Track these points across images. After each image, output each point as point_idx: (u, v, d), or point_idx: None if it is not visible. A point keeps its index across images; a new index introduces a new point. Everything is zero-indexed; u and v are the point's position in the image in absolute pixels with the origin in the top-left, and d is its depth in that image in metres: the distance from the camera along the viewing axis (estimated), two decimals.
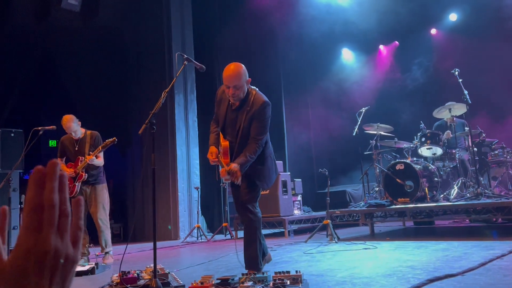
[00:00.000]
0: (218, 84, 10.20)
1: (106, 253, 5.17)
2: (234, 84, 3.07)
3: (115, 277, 3.22)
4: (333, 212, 6.30)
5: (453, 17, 9.93)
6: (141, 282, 3.04)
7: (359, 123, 6.94)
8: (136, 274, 3.15)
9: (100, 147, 5.02)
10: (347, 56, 11.43)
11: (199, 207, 8.69)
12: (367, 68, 11.17)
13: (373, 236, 6.23)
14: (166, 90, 3.22)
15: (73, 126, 5.08)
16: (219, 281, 2.71)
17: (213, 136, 3.38)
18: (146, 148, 9.22)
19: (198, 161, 9.33)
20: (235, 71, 3.09)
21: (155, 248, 2.90)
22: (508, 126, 7.93)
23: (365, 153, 7.15)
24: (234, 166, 2.98)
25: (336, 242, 5.55)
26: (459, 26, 9.79)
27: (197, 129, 9.46)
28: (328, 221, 5.95)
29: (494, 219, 6.14)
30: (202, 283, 2.70)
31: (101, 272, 4.41)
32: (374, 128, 6.95)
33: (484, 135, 6.64)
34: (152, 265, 2.95)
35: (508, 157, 6.29)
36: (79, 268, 4.33)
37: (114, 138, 4.90)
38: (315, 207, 8.34)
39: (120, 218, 9.69)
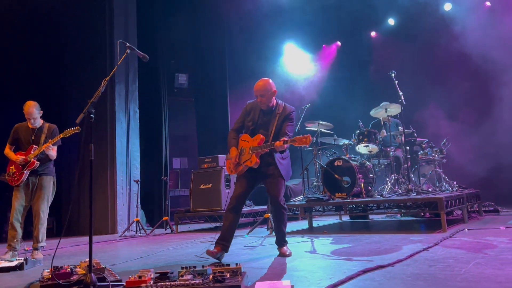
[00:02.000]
0: (161, 75, 10.00)
1: (35, 249, 4.90)
2: (261, 94, 3.98)
3: (46, 272, 3.06)
4: None
5: (391, 21, 10.42)
6: (75, 277, 2.92)
7: (301, 119, 7.10)
8: (69, 269, 3.02)
9: (61, 134, 4.83)
10: (293, 51, 11.58)
11: (139, 201, 8.48)
12: (311, 65, 11.45)
13: (312, 230, 6.42)
14: (106, 78, 3.11)
15: (35, 112, 5.00)
16: (157, 275, 2.67)
17: (234, 141, 4.11)
18: (84, 139, 8.79)
19: (138, 153, 9.09)
20: (263, 84, 4.02)
21: (90, 242, 2.79)
22: (436, 126, 8.49)
23: (306, 149, 7.33)
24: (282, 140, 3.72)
25: None
26: (397, 30, 10.31)
27: (138, 120, 9.20)
28: (269, 215, 6.04)
29: (423, 214, 6.58)
30: (140, 277, 2.64)
31: (30, 268, 4.17)
32: (315, 125, 7.15)
33: (416, 134, 7.05)
34: (87, 259, 2.84)
35: (436, 156, 6.73)
36: (6, 264, 4.07)
37: (78, 127, 4.72)
38: (257, 201, 8.43)
39: (53, 212, 9.18)
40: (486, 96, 8.29)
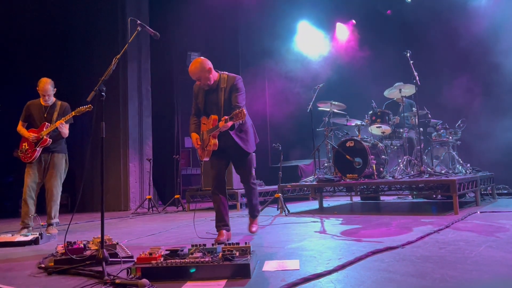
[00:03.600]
0: (173, 54, 9.94)
1: (50, 224, 5.01)
2: (196, 77, 3.85)
3: (60, 247, 3.12)
4: (284, 186, 6.42)
5: None
6: (88, 252, 2.98)
7: (313, 99, 7.02)
8: (82, 245, 3.07)
9: (73, 112, 4.88)
10: (306, 29, 11.38)
11: (151, 179, 8.57)
12: (325, 44, 11.25)
13: (322, 210, 6.43)
14: (118, 56, 3.09)
15: (50, 89, 5.06)
16: (168, 252, 2.70)
17: (193, 126, 4.06)
18: (95, 117, 8.86)
19: (151, 132, 9.14)
20: (194, 67, 3.83)
21: (102, 218, 2.83)
22: (452, 108, 8.33)
23: (318, 129, 7.28)
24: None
25: (286, 215, 5.69)
26: (414, 8, 10.02)
27: (150, 99, 9.22)
28: (279, 194, 6.06)
29: (434, 196, 6.53)
30: (150, 254, 2.68)
31: (45, 243, 4.27)
32: (328, 105, 7.07)
33: (430, 116, 6.94)
34: (99, 235, 2.89)
35: (450, 137, 6.64)
36: (22, 238, 4.17)
37: (90, 105, 4.77)
38: (268, 181, 8.46)
39: (68, 189, 9.35)
40: (504, 79, 8.06)
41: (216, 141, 3.75)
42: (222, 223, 4.00)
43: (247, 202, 4.36)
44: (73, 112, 4.92)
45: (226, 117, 3.57)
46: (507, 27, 8.13)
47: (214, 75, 3.91)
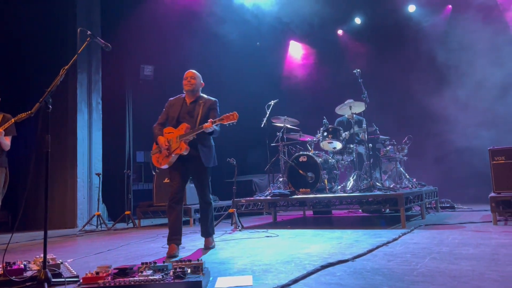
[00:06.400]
0: (126, 66, 9.74)
1: None
2: (191, 75, 4.21)
3: None
4: (238, 201, 6.40)
5: (358, 20, 10.57)
6: (28, 273, 2.80)
7: (267, 115, 7.10)
8: (22, 265, 2.89)
9: (12, 119, 4.59)
10: (260, 48, 11.57)
11: (100, 194, 8.26)
12: (278, 61, 11.47)
13: (276, 224, 6.46)
14: (66, 67, 2.99)
15: None
16: (116, 270, 2.60)
17: (158, 132, 4.18)
18: (40, 129, 8.46)
19: (101, 146, 8.83)
20: (194, 72, 4.28)
21: (45, 236, 2.68)
22: (401, 124, 8.72)
23: (272, 144, 7.36)
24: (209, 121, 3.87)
25: (240, 230, 5.66)
26: (363, 29, 10.47)
27: (101, 112, 8.93)
28: (234, 209, 6.03)
29: (383, 210, 6.75)
30: (97, 273, 2.56)
31: None
32: (281, 121, 7.17)
33: (378, 132, 7.22)
34: (42, 255, 2.73)
35: (397, 153, 6.92)
36: None
37: (30, 111, 4.49)
38: (222, 196, 8.39)
39: (9, 206, 8.80)
40: (447, 97, 8.56)
41: (188, 146, 3.96)
42: (175, 236, 3.98)
43: (201, 220, 4.31)
44: (12, 119, 4.65)
45: (212, 119, 3.87)
46: (452, 46, 8.67)
47: (199, 91, 4.29)
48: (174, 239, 3.96)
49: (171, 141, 4.06)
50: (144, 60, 10.06)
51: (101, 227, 7.48)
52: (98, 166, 8.68)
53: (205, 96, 4.29)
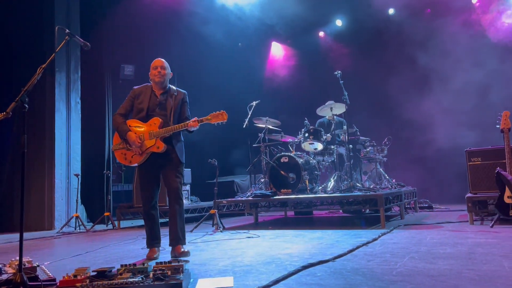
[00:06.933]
0: (106, 66, 9.60)
1: None
2: (161, 64, 3.93)
3: None
4: (220, 202, 6.38)
5: (339, 22, 10.67)
6: (3, 276, 2.73)
7: (249, 116, 7.10)
8: None
9: None
10: (242, 48, 11.57)
11: (79, 195, 8.11)
12: (260, 62, 11.48)
13: (257, 225, 6.46)
14: (43, 66, 2.92)
15: None
16: (94, 273, 2.55)
17: (125, 125, 3.84)
18: (16, 129, 8.29)
19: (79, 146, 8.67)
20: (162, 60, 3.99)
21: (21, 238, 2.61)
22: (381, 125, 8.83)
23: (254, 145, 7.36)
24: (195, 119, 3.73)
25: (221, 231, 5.64)
26: (344, 31, 10.57)
27: (80, 112, 8.77)
28: (215, 210, 6.01)
29: (363, 210, 6.83)
30: (75, 276, 2.51)
31: None
32: (263, 122, 7.18)
33: (359, 133, 7.30)
34: (18, 258, 2.66)
35: (377, 154, 7.01)
36: None
37: (6, 111, 4.35)
38: (204, 197, 8.35)
39: None
40: (427, 99, 8.71)
41: (165, 144, 3.74)
42: (154, 241, 3.90)
43: (170, 225, 3.80)
44: None
45: (196, 118, 3.70)
46: (431, 48, 8.83)
47: (168, 82, 4.02)
48: (154, 243, 3.89)
49: (142, 137, 3.77)
50: (124, 59, 9.93)
51: (79, 229, 7.35)
52: (76, 167, 8.53)
53: (173, 87, 4.01)
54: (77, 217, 7.47)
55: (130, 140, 3.77)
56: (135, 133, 3.79)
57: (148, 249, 3.90)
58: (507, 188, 4.51)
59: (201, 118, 3.73)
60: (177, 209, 3.81)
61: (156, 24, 9.55)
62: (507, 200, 4.50)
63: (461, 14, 8.76)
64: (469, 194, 5.13)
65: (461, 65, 8.26)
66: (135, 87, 4.01)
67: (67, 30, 3.15)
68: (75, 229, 7.38)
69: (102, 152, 9.31)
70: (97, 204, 8.98)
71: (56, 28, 3.21)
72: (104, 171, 8.47)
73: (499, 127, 4.73)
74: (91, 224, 7.89)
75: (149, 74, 3.97)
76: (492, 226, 4.60)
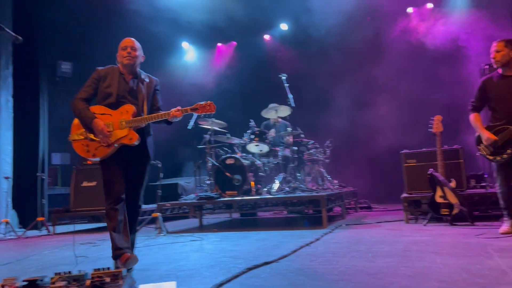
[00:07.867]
0: (41, 62, 9.07)
1: None
2: (132, 45, 3.41)
3: None
4: (163, 205, 6.23)
5: (284, 26, 10.82)
6: None
7: (195, 117, 7.00)
8: None
9: None
10: (187, 50, 11.46)
11: (10, 200, 7.58)
12: (206, 64, 11.40)
13: (202, 228, 6.38)
14: None
15: None
16: (25, 283, 2.38)
17: (89, 112, 3.27)
18: None
19: (11, 147, 8.10)
20: (133, 40, 3.46)
21: None
22: (324, 128, 9.06)
23: (199, 147, 7.26)
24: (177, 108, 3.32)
25: (164, 235, 5.51)
26: (289, 35, 10.74)
27: (11, 110, 8.21)
28: (158, 214, 5.86)
29: (307, 211, 6.96)
30: (2, 286, 2.33)
31: None
32: (209, 123, 7.11)
33: (303, 135, 7.43)
34: None
35: (320, 156, 7.18)
36: None
37: None
38: (146, 200, 8.05)
39: None
40: (369, 102, 9.05)
41: (139, 136, 3.26)
42: (126, 245, 3.17)
43: (123, 231, 3.22)
44: None
45: (180, 107, 3.30)
46: (372, 54, 9.20)
47: (139, 66, 3.50)
48: (125, 249, 3.14)
49: (111, 126, 3.22)
50: (61, 56, 9.45)
51: (9, 235, 6.87)
52: (7, 169, 7.96)
53: (143, 72, 3.53)
54: (7, 223, 6.96)
55: (97, 128, 3.18)
56: (109, 121, 3.24)
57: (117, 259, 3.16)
58: (438, 188, 4.79)
59: (185, 108, 3.32)
60: (134, 214, 3.42)
61: (96, 20, 9.17)
62: (438, 200, 4.78)
63: (398, 22, 9.24)
64: (404, 194, 5.39)
65: (401, 71, 8.68)
66: (99, 68, 3.43)
67: None
68: (5, 236, 6.88)
69: (35, 153, 8.77)
70: (30, 208, 8.43)
71: None
72: (38, 173, 7.98)
73: (431, 131, 5.01)
74: (23, 230, 7.40)
75: (116, 55, 3.45)
76: (425, 225, 4.86)
